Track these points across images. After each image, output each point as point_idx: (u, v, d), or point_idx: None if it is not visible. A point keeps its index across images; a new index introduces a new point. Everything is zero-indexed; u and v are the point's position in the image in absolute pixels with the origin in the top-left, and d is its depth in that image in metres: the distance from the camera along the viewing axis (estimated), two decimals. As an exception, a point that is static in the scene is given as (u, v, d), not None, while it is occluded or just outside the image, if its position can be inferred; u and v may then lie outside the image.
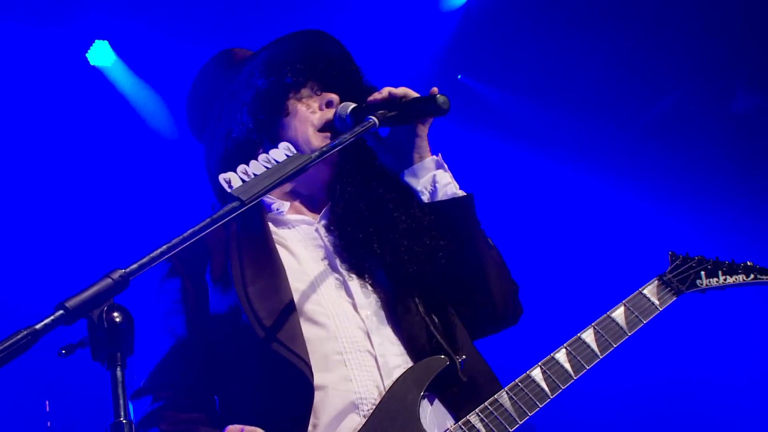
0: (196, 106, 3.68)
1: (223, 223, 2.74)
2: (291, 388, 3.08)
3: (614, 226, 8.97)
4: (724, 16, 8.27)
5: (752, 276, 3.83)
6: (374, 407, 3.09)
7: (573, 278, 8.86)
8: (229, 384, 3.12)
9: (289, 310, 3.15)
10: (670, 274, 3.72)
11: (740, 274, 3.82)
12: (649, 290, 3.66)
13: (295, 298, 3.18)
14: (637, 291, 3.65)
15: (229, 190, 2.78)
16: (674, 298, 3.67)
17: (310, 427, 3.05)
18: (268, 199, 3.45)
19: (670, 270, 3.74)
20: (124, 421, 2.35)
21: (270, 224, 3.43)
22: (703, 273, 3.79)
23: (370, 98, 3.35)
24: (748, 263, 3.88)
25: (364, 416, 3.08)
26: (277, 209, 3.47)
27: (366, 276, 3.34)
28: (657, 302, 3.62)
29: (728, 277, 3.77)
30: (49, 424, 5.72)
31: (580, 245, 8.93)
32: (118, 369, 2.37)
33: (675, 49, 8.27)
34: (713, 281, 3.79)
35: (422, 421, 3.12)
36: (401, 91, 3.31)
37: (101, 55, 7.89)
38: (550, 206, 8.98)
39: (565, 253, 8.93)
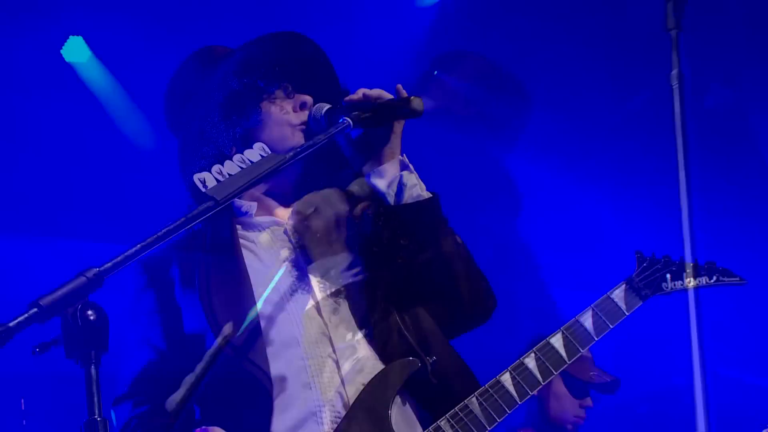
0: (174, 102, 3.67)
1: (194, 234, 2.74)
2: (251, 398, 3.11)
3: (587, 225, 9.00)
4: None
5: (715, 278, 3.91)
6: (339, 414, 3.13)
7: (546, 276, 8.91)
8: (204, 395, 3.13)
9: (250, 318, 3.18)
10: (638, 278, 3.78)
11: (704, 276, 3.89)
12: (617, 294, 3.73)
13: (259, 305, 3.20)
14: (606, 295, 3.71)
15: (203, 190, 2.79)
16: (641, 303, 3.75)
17: None
18: (237, 201, 3.43)
19: (638, 273, 3.80)
20: (99, 419, 2.38)
21: (239, 227, 3.44)
22: (668, 275, 3.86)
23: (346, 99, 3.35)
24: (713, 264, 3.94)
25: (323, 424, 3.12)
26: (246, 211, 3.47)
27: (333, 277, 3.35)
28: (624, 307, 3.70)
29: (692, 279, 3.84)
30: (24, 422, 5.73)
31: (553, 244, 8.96)
32: (92, 367, 2.39)
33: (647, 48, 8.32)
34: (678, 284, 3.86)
35: (394, 425, 3.14)
36: (375, 92, 3.30)
37: (76, 51, 7.80)
38: (523, 205, 9.01)
39: (538, 252, 8.96)
